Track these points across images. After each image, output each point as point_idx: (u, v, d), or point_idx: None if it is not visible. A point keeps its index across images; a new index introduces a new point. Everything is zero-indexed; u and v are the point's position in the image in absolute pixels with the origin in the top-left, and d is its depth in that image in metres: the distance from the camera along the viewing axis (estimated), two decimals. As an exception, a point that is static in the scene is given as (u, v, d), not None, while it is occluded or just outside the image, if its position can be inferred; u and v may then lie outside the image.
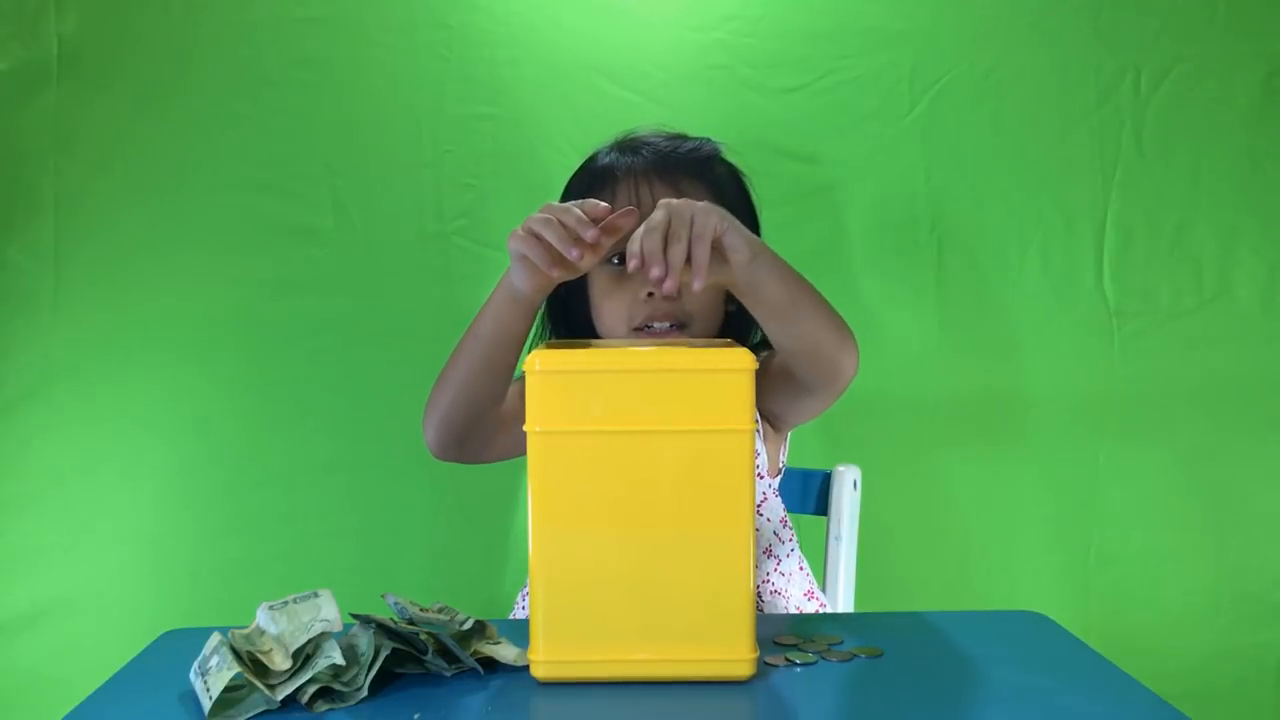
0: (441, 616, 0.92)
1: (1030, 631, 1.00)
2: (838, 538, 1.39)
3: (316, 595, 0.89)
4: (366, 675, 0.85)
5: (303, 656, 0.85)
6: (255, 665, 0.85)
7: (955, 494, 1.70)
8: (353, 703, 0.84)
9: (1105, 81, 1.68)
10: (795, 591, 1.30)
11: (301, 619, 0.87)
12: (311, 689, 0.84)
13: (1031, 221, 1.68)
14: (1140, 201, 1.69)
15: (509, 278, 1.12)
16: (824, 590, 1.38)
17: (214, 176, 1.62)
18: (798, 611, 1.28)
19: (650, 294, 1.23)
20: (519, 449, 1.20)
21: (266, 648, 0.86)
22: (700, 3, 1.65)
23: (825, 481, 1.42)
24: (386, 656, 0.87)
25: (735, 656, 0.87)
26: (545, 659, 0.87)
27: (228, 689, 0.82)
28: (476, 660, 0.89)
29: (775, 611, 1.27)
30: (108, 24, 1.60)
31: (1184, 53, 1.67)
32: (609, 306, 1.27)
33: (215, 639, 0.87)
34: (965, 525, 1.70)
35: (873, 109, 1.67)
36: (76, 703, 0.86)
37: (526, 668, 0.88)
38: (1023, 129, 1.68)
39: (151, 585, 1.62)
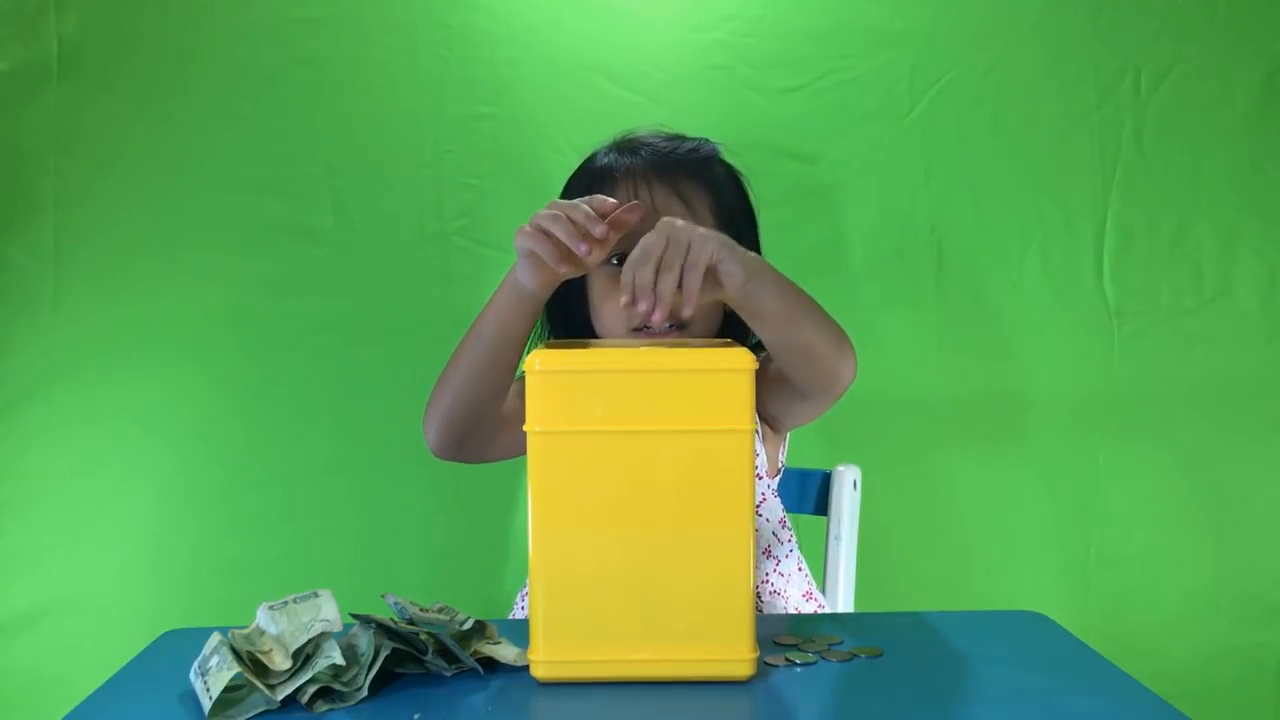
0: (441, 616, 0.92)
1: (1030, 631, 1.00)
2: (838, 538, 1.39)
3: (316, 595, 0.89)
4: (366, 675, 0.85)
5: (303, 656, 0.85)
6: (255, 665, 0.85)
7: (955, 494, 1.70)
8: (353, 703, 0.84)
9: (1105, 81, 1.68)
10: (794, 592, 1.30)
11: (301, 619, 0.87)
12: (311, 689, 0.84)
13: (1031, 221, 1.68)
14: (1140, 201, 1.69)
15: (513, 275, 1.13)
16: (824, 590, 1.38)
17: (214, 176, 1.62)
18: (796, 612, 1.28)
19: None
20: (519, 449, 1.20)
21: (266, 648, 0.86)
22: (700, 3, 1.65)
23: (825, 481, 1.42)
24: (386, 656, 0.87)
25: (735, 656, 0.87)
26: (545, 659, 0.87)
27: (228, 689, 0.82)
28: (476, 660, 0.89)
29: (774, 612, 1.27)
30: (108, 24, 1.60)
31: (1184, 53, 1.68)
32: (608, 307, 1.27)
33: (215, 639, 0.87)
34: (965, 525, 1.70)
35: (873, 109, 1.67)
36: (76, 703, 0.86)
37: (526, 668, 0.88)
38: (1023, 129, 1.68)
39: (151, 585, 1.62)
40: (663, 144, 1.31)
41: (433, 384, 1.22)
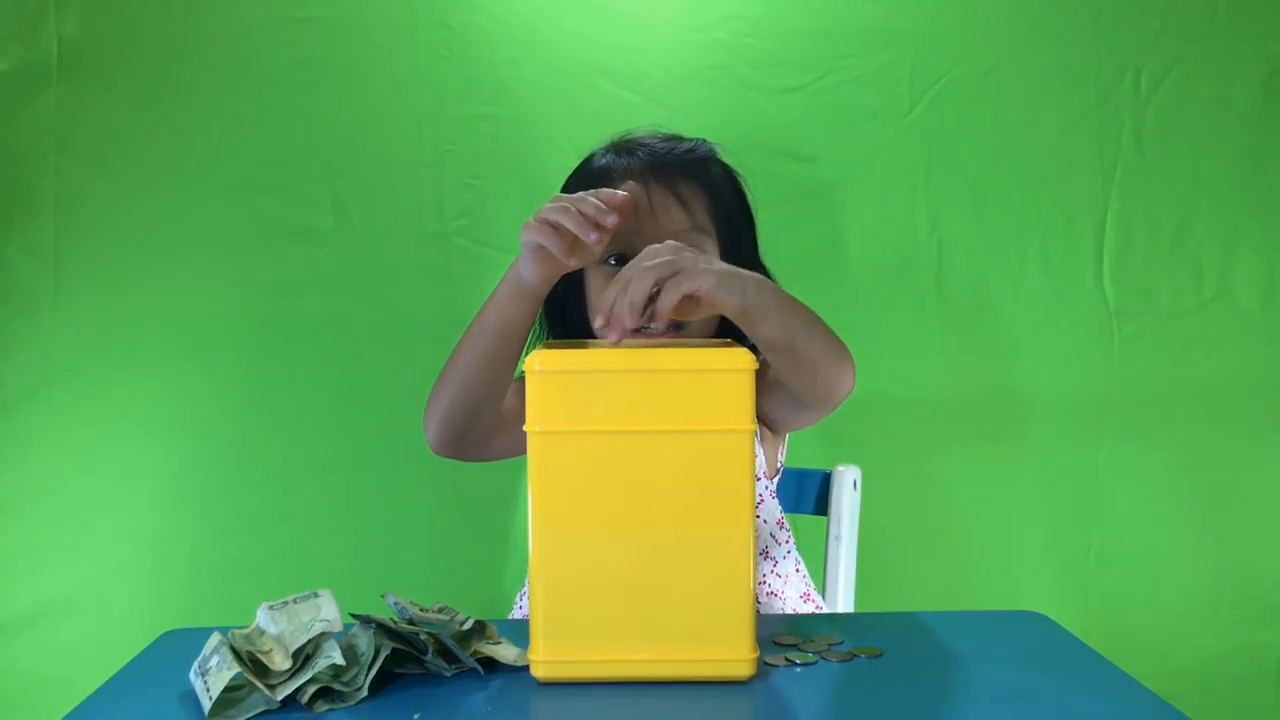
0: (441, 616, 0.92)
1: (1030, 631, 1.00)
2: (837, 538, 1.39)
3: (316, 595, 0.89)
4: (366, 675, 0.85)
5: (303, 656, 0.85)
6: (255, 665, 0.85)
7: (955, 494, 1.70)
8: (353, 703, 0.84)
9: (1105, 81, 1.68)
10: (792, 594, 1.30)
11: (301, 619, 0.87)
12: (311, 689, 0.84)
13: (1031, 221, 1.68)
14: (1140, 201, 1.69)
15: (515, 270, 1.13)
16: (823, 591, 1.38)
17: (214, 176, 1.62)
18: (794, 613, 1.28)
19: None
20: (519, 448, 1.20)
21: (266, 648, 0.86)
22: (700, 3, 1.65)
23: (825, 482, 1.42)
24: (386, 656, 0.87)
25: (735, 656, 0.87)
26: (545, 659, 0.87)
27: (228, 689, 0.82)
28: (476, 660, 0.89)
29: (771, 613, 1.27)
30: (108, 24, 1.60)
31: (1184, 53, 1.68)
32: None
33: (215, 639, 0.87)
34: (965, 525, 1.70)
35: (873, 109, 1.67)
36: (76, 703, 0.86)
37: (526, 668, 0.88)
38: (1023, 129, 1.68)
39: (151, 585, 1.62)
40: (660, 144, 1.31)
41: (432, 383, 1.22)
